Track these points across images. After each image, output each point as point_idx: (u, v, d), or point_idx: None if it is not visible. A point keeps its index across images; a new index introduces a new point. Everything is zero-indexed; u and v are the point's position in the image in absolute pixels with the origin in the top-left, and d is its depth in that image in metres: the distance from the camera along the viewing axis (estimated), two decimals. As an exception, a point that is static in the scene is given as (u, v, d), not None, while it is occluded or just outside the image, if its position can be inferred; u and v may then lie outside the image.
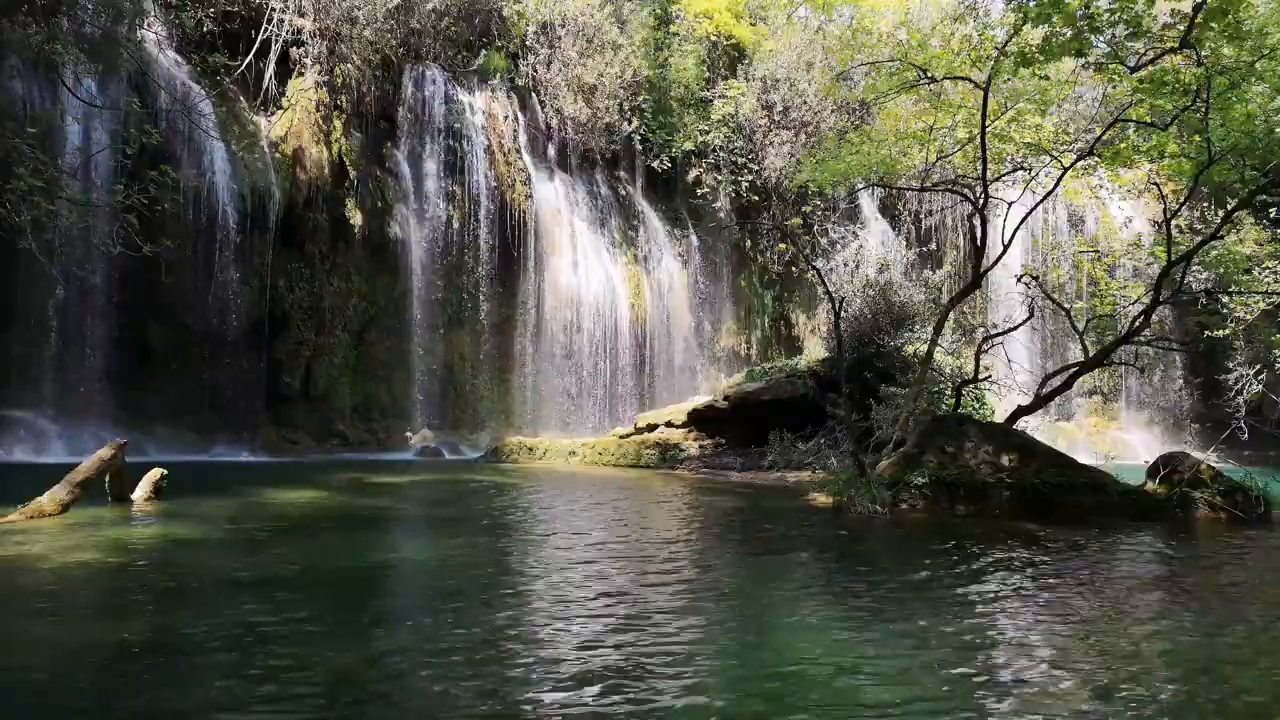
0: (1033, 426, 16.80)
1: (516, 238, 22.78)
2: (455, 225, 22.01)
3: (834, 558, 7.49)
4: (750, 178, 26.05)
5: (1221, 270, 15.61)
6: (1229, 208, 11.92)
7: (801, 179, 21.16)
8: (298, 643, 4.29)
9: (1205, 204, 19.44)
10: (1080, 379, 14.57)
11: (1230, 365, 21.98)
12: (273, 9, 19.36)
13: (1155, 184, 13.76)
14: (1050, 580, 6.26)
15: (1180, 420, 26.12)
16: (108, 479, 8.73)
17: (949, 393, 14.92)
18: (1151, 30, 10.19)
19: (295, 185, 19.59)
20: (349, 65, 20.66)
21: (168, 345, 17.99)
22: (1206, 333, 19.21)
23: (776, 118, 26.15)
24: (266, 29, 19.35)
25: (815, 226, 26.88)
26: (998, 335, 13.90)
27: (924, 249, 27.62)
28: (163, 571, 5.96)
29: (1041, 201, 13.87)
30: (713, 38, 26.53)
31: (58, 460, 13.47)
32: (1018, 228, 12.92)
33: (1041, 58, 10.34)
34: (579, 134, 24.37)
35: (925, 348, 13.63)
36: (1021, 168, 13.76)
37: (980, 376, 13.27)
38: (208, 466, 14.98)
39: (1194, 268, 14.12)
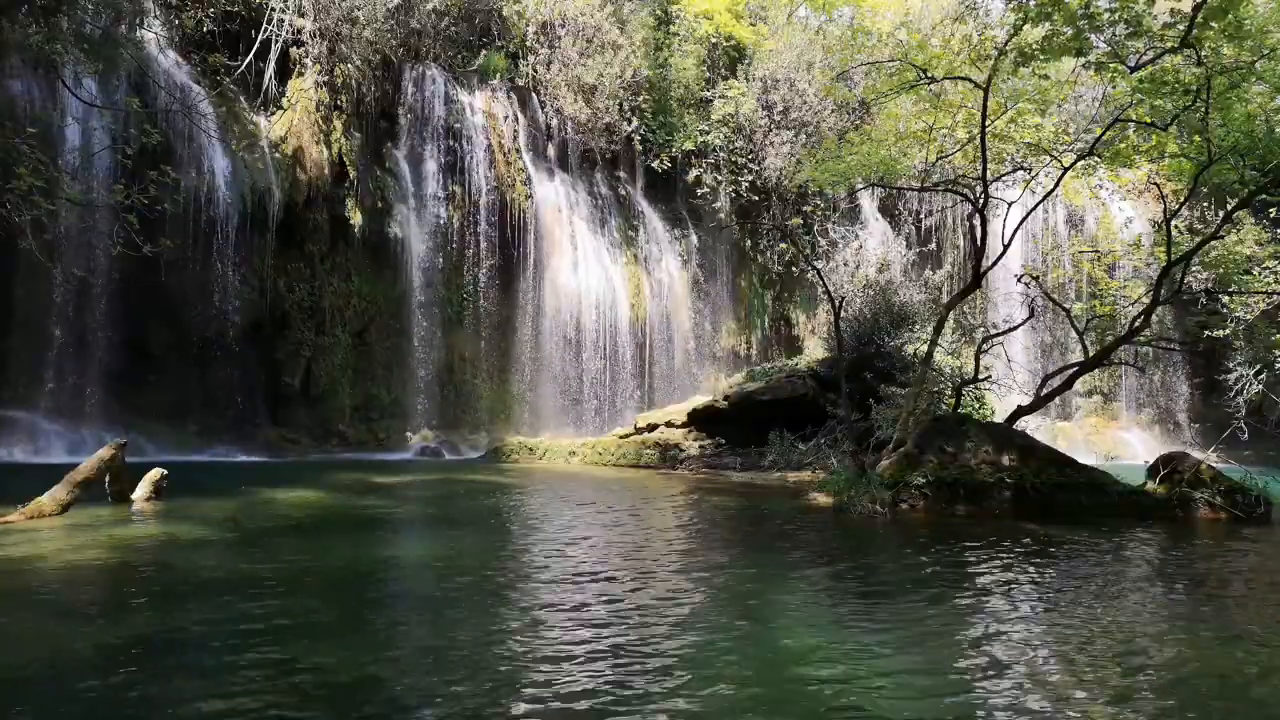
0: (1033, 426, 16.81)
1: (516, 238, 22.77)
2: (455, 225, 22.01)
3: (834, 558, 7.49)
4: (750, 178, 26.05)
5: (1221, 270, 15.60)
6: (1229, 208, 11.92)
7: (801, 179, 21.17)
8: (297, 643, 4.29)
9: (1205, 204, 19.46)
10: (1080, 379, 14.57)
11: (1230, 365, 21.98)
12: (273, 9, 19.35)
13: (1155, 184, 13.76)
14: (1050, 581, 6.25)
15: (1180, 420, 26.13)
16: (108, 479, 8.73)
17: (949, 393, 14.92)
18: (1151, 30, 10.18)
19: (295, 185, 19.58)
20: (349, 65, 20.66)
21: (168, 345, 17.97)
22: (1206, 333, 19.20)
23: (776, 118, 26.14)
24: (266, 29, 19.34)
25: (815, 226, 26.90)
26: (998, 335, 13.90)
27: (924, 249, 27.66)
28: (162, 571, 5.96)
29: (1041, 201, 13.87)
30: (713, 38, 26.53)
31: (58, 460, 13.47)
32: (1018, 228, 12.92)
33: (1042, 56, 10.33)
34: (579, 134, 24.37)
35: (925, 348, 13.62)
36: (1021, 168, 13.76)
37: (980, 376, 13.27)
38: (208, 466, 14.97)
39: (1194, 268, 14.12)
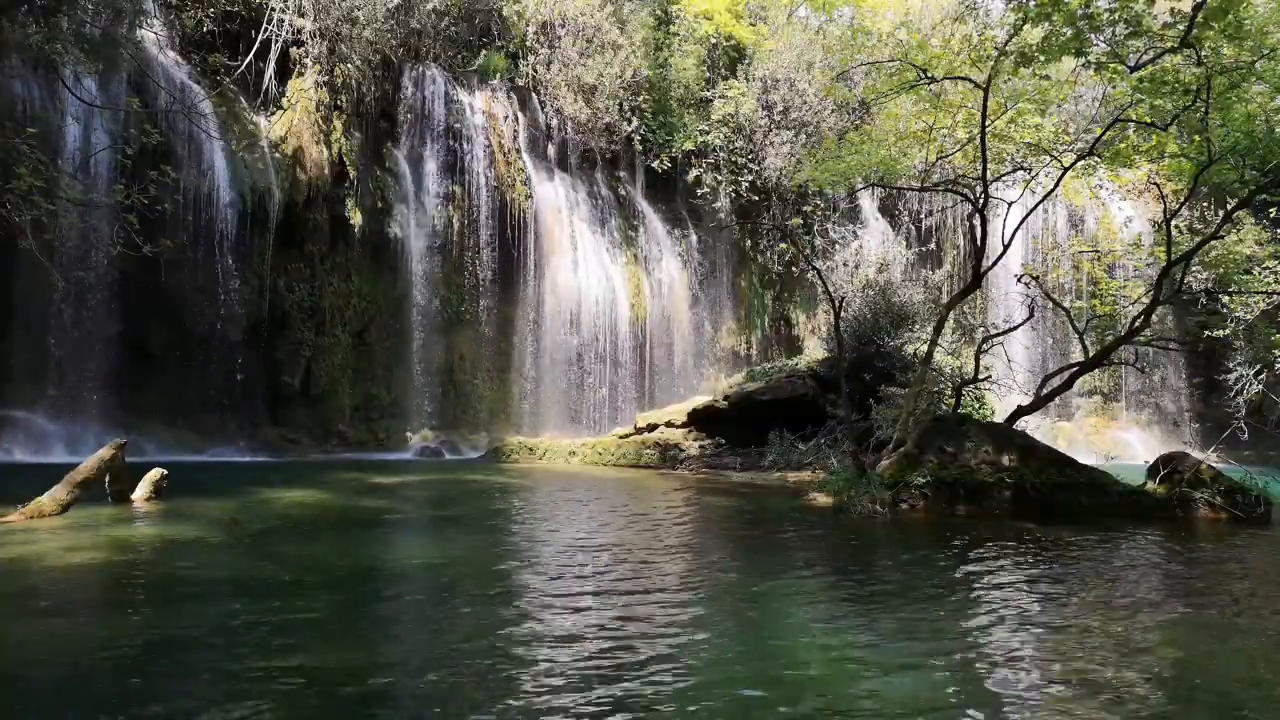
0: (1033, 426, 16.82)
1: (516, 238, 22.77)
2: (455, 225, 22.01)
3: (834, 558, 7.49)
4: (750, 178, 26.04)
5: (1221, 270, 15.60)
6: (1229, 208, 11.92)
7: (801, 179, 21.16)
8: (298, 643, 4.29)
9: (1205, 204, 19.45)
10: (1080, 379, 14.56)
11: (1230, 365, 21.97)
12: (273, 9, 19.34)
13: (1155, 184, 13.75)
14: (1051, 581, 6.25)
15: (1180, 420, 26.12)
16: (108, 479, 8.73)
17: (949, 393, 14.93)
18: (1151, 30, 10.18)
19: (295, 185, 19.58)
20: (349, 65, 20.66)
21: (168, 345, 17.97)
22: (1206, 333, 19.21)
23: (776, 118, 26.14)
24: (266, 29, 19.34)
25: (815, 226, 26.91)
26: (998, 335, 13.90)
27: (924, 249, 27.68)
28: (162, 572, 5.96)
29: (1041, 201, 13.87)
30: (713, 38, 26.52)
31: (58, 460, 13.47)
32: (1018, 228, 12.92)
33: (1041, 57, 10.33)
34: (579, 134, 24.37)
35: (925, 348, 13.63)
36: (1021, 168, 13.76)
37: (980, 376, 13.28)
38: (208, 466, 14.98)
39: (1194, 268, 14.11)
